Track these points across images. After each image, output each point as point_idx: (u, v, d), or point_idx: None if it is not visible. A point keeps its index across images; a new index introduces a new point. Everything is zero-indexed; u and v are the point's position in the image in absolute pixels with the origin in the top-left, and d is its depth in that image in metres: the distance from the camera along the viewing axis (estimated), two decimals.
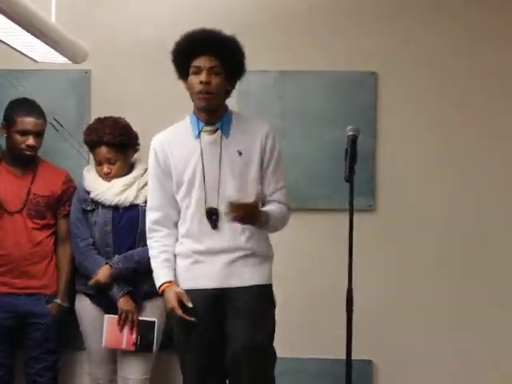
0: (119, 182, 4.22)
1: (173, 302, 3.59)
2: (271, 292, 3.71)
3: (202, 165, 3.61)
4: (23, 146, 4.23)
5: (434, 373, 4.49)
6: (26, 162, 4.30)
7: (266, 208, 3.64)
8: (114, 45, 4.56)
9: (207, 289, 3.61)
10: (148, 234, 3.75)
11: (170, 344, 4.44)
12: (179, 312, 3.58)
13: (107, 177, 4.22)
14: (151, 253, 3.73)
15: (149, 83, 4.55)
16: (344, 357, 3.57)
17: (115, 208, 4.21)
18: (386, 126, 4.51)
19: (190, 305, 3.58)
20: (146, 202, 4.16)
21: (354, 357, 3.59)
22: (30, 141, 4.22)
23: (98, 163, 4.24)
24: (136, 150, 4.32)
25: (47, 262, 4.29)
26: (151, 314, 4.20)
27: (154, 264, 3.71)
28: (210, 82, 3.55)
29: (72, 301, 4.31)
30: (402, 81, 4.51)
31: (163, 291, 3.64)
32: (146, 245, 4.16)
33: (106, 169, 4.22)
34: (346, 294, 3.58)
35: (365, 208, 4.43)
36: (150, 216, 3.73)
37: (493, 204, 4.49)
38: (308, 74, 4.50)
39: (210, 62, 3.55)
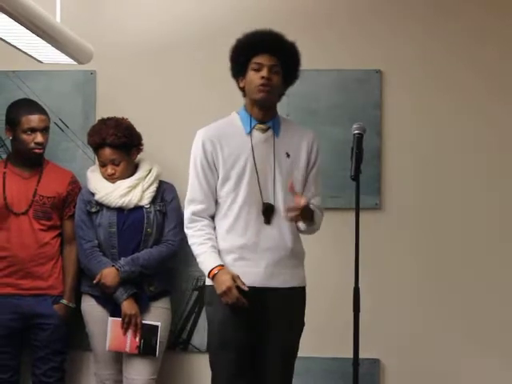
0: (124, 184, 4.21)
1: (229, 282, 3.54)
2: (305, 294, 3.78)
3: (254, 161, 3.64)
4: (32, 144, 4.23)
5: (440, 372, 4.47)
6: (33, 163, 4.30)
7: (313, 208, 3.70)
8: (119, 45, 4.56)
9: (249, 287, 3.59)
10: (188, 224, 3.69)
11: (179, 343, 4.48)
12: (235, 292, 3.54)
13: (112, 178, 4.22)
14: (194, 240, 3.67)
15: (154, 84, 4.55)
16: (351, 355, 3.57)
17: (120, 210, 4.21)
18: (392, 124, 4.50)
19: (246, 288, 3.56)
20: (150, 203, 4.20)
21: (361, 356, 3.58)
22: (39, 138, 4.22)
23: (102, 164, 4.24)
24: (140, 151, 4.31)
25: (53, 263, 4.29)
26: (156, 315, 4.21)
27: (200, 250, 3.64)
28: (270, 78, 3.61)
29: (78, 301, 4.31)
30: (407, 78, 4.50)
31: (214, 275, 3.58)
32: (151, 246, 4.21)
33: (110, 170, 4.22)
34: (352, 292, 3.58)
35: (371, 206, 4.43)
36: (192, 208, 3.69)
37: (501, 202, 4.47)
38: (313, 73, 4.49)
39: (272, 60, 3.62)
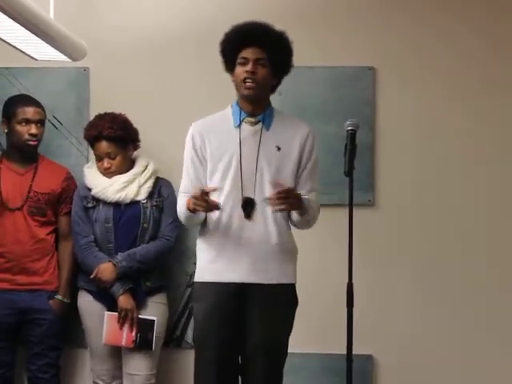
0: (120, 179, 4.22)
1: (196, 191, 3.50)
2: (294, 291, 3.72)
3: (240, 155, 3.61)
4: (26, 136, 4.24)
5: (433, 367, 4.49)
6: (28, 158, 4.31)
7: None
8: (113, 42, 4.56)
9: (231, 283, 3.59)
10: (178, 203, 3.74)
11: (172, 340, 4.49)
12: (203, 192, 3.46)
13: (108, 172, 4.23)
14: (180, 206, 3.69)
15: (147, 80, 4.55)
16: (345, 351, 3.58)
17: (116, 205, 4.21)
18: (385, 121, 4.51)
19: (214, 188, 3.52)
20: (146, 198, 4.21)
21: (354, 351, 3.60)
22: (33, 129, 4.24)
23: (99, 158, 4.25)
24: (136, 147, 4.32)
25: (49, 259, 4.30)
26: (153, 310, 4.21)
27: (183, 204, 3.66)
28: (255, 71, 3.57)
29: (73, 297, 4.31)
30: (400, 75, 4.52)
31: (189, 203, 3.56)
32: (147, 242, 4.21)
33: (106, 164, 4.22)
34: (346, 288, 3.59)
35: (364, 202, 4.44)
36: (183, 199, 3.68)
37: (494, 198, 4.49)
38: (306, 70, 4.49)
39: (257, 53, 3.59)
